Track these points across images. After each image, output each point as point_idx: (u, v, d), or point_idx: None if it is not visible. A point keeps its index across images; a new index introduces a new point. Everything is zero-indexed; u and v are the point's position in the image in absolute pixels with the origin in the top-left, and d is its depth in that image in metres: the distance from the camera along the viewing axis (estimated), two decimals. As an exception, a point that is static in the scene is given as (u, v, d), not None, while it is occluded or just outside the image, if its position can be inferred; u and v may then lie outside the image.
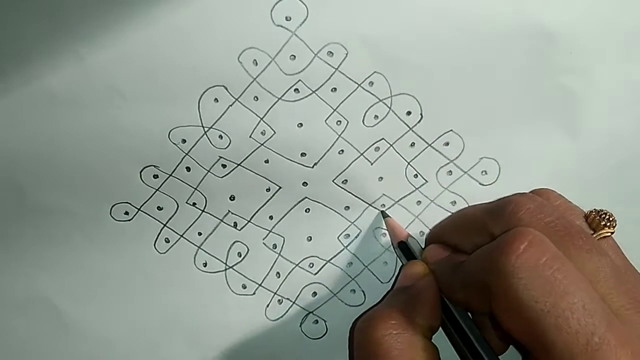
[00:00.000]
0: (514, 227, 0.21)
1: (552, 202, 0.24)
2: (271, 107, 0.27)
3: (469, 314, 0.24)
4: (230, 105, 0.27)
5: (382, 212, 0.30)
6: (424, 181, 0.30)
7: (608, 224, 0.23)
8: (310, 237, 0.30)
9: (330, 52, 0.27)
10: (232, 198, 0.29)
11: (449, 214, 0.30)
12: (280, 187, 0.29)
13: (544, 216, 0.21)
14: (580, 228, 0.21)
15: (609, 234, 0.23)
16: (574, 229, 0.21)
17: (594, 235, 0.22)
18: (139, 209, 0.29)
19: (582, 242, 0.20)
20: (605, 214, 0.23)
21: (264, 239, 0.30)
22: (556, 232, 0.21)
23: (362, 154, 0.29)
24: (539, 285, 0.18)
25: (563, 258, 0.19)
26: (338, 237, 0.30)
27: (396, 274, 0.30)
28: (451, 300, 0.24)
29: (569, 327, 0.18)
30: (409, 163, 0.29)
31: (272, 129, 0.28)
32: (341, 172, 0.29)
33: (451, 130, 0.29)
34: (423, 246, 0.29)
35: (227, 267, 0.30)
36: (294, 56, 0.27)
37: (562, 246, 0.20)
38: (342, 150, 0.29)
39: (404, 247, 0.28)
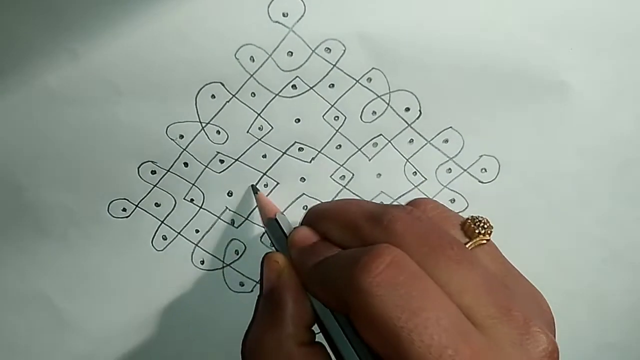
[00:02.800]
0: (384, 240, 0.21)
1: (429, 213, 0.24)
2: (268, 103, 0.27)
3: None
4: (228, 102, 0.27)
5: (252, 186, 0.29)
6: (423, 179, 0.30)
7: (483, 231, 0.23)
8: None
9: (328, 48, 0.27)
10: (229, 194, 0.29)
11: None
12: (278, 183, 0.29)
13: (417, 229, 0.21)
14: (453, 239, 0.21)
15: (485, 241, 0.22)
16: (445, 240, 0.21)
17: (470, 244, 0.22)
18: (136, 206, 0.29)
19: (452, 252, 0.20)
20: (481, 220, 0.23)
21: (261, 237, 0.30)
22: (428, 244, 0.20)
23: (359, 149, 0.29)
24: (394, 303, 0.18)
25: (422, 276, 0.19)
26: (336, 235, 0.30)
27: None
28: (312, 295, 0.23)
29: (422, 341, 0.18)
30: (407, 160, 0.29)
31: (270, 125, 0.28)
32: (339, 168, 0.29)
33: (450, 127, 0.29)
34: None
35: (224, 264, 0.30)
36: (291, 52, 0.27)
37: (432, 258, 0.20)
38: (340, 146, 0.28)
39: (273, 226, 0.27)
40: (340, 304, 0.21)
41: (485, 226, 0.23)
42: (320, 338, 0.24)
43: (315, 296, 0.23)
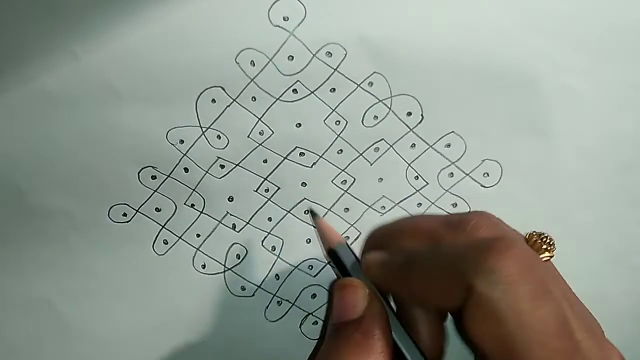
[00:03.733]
0: (495, 238, 0.20)
1: (502, 224, 0.23)
2: (269, 107, 0.27)
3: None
4: (228, 106, 0.27)
5: (311, 210, 0.27)
6: (425, 183, 0.29)
7: (548, 247, 0.22)
8: (310, 239, 0.30)
9: (329, 52, 0.27)
10: (230, 199, 0.29)
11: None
12: (279, 188, 0.29)
13: (512, 235, 0.21)
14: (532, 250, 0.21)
15: (548, 257, 0.22)
16: (530, 252, 0.21)
17: None
18: (137, 211, 0.28)
19: (543, 261, 0.21)
20: (546, 237, 0.22)
21: (262, 241, 0.30)
22: (528, 251, 0.20)
23: (361, 154, 0.28)
24: (524, 297, 0.18)
25: (542, 272, 0.19)
26: (338, 239, 0.30)
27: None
28: (402, 294, 0.22)
29: (549, 343, 0.18)
30: (409, 164, 0.29)
31: (271, 129, 0.28)
32: (340, 172, 0.29)
33: (452, 131, 0.29)
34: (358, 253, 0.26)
35: (225, 269, 0.30)
36: (292, 57, 0.26)
37: (536, 266, 0.20)
38: (341, 150, 0.28)
39: (334, 256, 0.25)
40: (452, 293, 0.19)
41: (551, 242, 0.22)
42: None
43: (411, 293, 0.21)
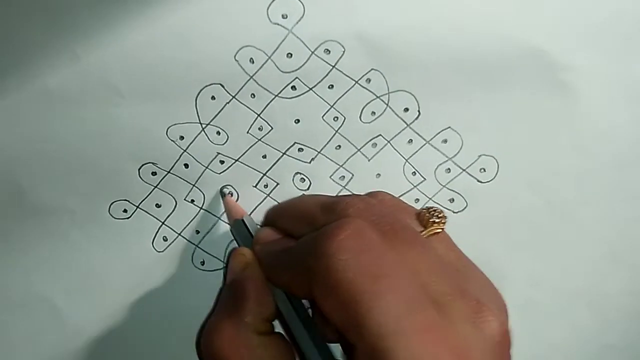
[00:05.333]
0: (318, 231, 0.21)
1: (385, 204, 0.24)
2: (268, 104, 0.28)
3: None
4: (228, 103, 0.27)
5: (220, 190, 0.29)
6: (422, 179, 0.30)
7: (437, 220, 0.23)
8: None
9: (327, 49, 0.27)
10: (229, 194, 0.29)
11: (448, 211, 0.30)
12: (277, 184, 0.29)
13: (370, 215, 0.22)
14: (406, 224, 0.22)
15: (440, 229, 0.23)
16: (398, 224, 0.21)
17: (424, 232, 0.23)
18: (137, 207, 0.29)
19: (404, 235, 0.21)
20: (435, 210, 0.23)
21: (262, 237, 0.30)
22: (381, 228, 0.21)
23: (359, 150, 0.29)
24: (357, 267, 0.19)
25: (384, 247, 0.20)
26: (336, 235, 0.30)
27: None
28: (275, 283, 0.24)
29: (380, 307, 0.18)
30: (406, 160, 0.29)
31: (270, 125, 0.28)
32: (338, 168, 0.29)
33: (449, 127, 0.29)
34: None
35: (225, 265, 0.30)
36: (291, 54, 0.27)
37: (386, 241, 0.20)
38: (340, 146, 0.29)
39: (239, 227, 0.27)
40: (304, 283, 0.21)
41: (440, 216, 0.23)
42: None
43: (278, 283, 0.23)
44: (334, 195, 0.29)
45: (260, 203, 0.29)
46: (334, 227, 0.20)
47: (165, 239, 0.29)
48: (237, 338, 0.23)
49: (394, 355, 0.17)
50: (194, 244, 0.30)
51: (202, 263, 0.30)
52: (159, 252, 0.29)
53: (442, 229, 0.23)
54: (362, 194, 0.25)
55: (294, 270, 0.22)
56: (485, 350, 0.19)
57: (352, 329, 0.18)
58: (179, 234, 0.29)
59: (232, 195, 0.29)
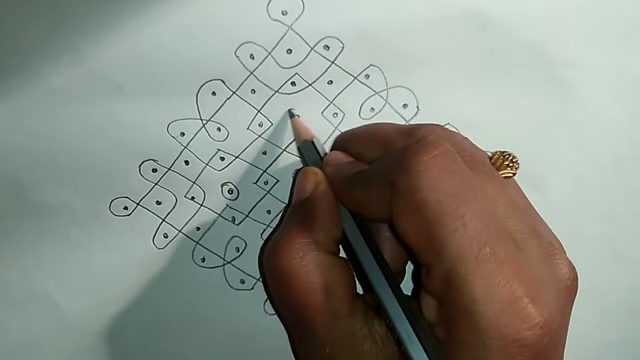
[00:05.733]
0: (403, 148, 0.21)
1: (462, 136, 0.24)
2: (268, 99, 0.28)
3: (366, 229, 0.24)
4: (228, 99, 0.28)
5: (290, 111, 0.28)
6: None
7: (511, 164, 0.23)
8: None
9: (327, 45, 0.27)
10: (230, 191, 0.29)
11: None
12: (278, 180, 0.29)
13: (452, 143, 0.21)
14: (486, 158, 0.22)
15: (511, 174, 0.23)
16: (479, 157, 0.22)
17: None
18: (137, 204, 0.29)
19: (485, 168, 0.21)
20: (509, 154, 0.23)
21: (262, 234, 0.30)
22: (463, 157, 0.21)
23: (358, 146, 0.29)
24: (445, 188, 0.19)
25: (470, 173, 0.20)
26: (336, 232, 0.30)
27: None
28: (347, 203, 0.23)
29: (465, 232, 0.18)
30: (406, 156, 0.30)
31: (270, 121, 0.28)
32: (338, 164, 0.29)
33: (448, 123, 0.29)
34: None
35: (225, 262, 0.30)
36: (291, 50, 0.27)
37: (468, 167, 0.20)
38: (339, 142, 0.29)
39: (309, 148, 0.27)
40: (381, 202, 0.20)
41: (513, 160, 0.23)
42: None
43: (351, 203, 0.23)
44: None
45: (261, 200, 0.29)
46: (423, 145, 0.20)
47: (165, 236, 0.29)
48: (306, 254, 0.22)
49: (471, 279, 0.17)
50: (194, 241, 0.30)
51: (203, 260, 0.30)
52: (160, 249, 0.29)
53: (515, 173, 0.23)
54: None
55: (371, 189, 0.21)
56: (557, 291, 0.19)
57: (431, 249, 0.18)
58: (180, 231, 0.29)
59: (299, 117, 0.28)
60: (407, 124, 0.29)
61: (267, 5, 0.26)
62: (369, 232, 0.24)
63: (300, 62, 0.27)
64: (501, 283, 0.17)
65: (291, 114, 0.28)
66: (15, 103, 0.27)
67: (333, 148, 0.27)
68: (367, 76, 0.28)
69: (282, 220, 0.27)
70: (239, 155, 0.28)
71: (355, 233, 0.23)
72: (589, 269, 0.32)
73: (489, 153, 0.24)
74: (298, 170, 0.26)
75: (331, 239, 0.23)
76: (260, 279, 0.30)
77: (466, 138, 0.24)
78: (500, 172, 0.23)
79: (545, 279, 0.19)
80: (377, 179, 0.21)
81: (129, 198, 0.29)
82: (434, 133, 0.22)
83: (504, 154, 0.23)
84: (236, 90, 0.27)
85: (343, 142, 0.27)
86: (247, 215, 0.29)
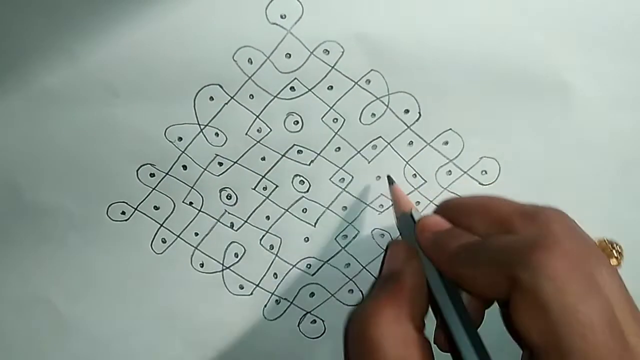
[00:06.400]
0: (544, 235, 0.21)
1: (578, 226, 0.23)
2: (267, 105, 0.27)
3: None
4: (226, 104, 0.27)
5: (389, 177, 0.28)
6: (423, 181, 0.29)
7: (617, 255, 0.23)
8: (308, 238, 0.30)
9: (326, 50, 0.27)
10: (228, 197, 0.29)
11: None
12: (277, 186, 0.29)
13: (573, 234, 0.21)
14: (600, 252, 0.21)
15: (617, 265, 0.22)
16: (596, 250, 0.21)
17: None
18: (135, 209, 0.28)
19: (602, 264, 0.20)
20: (617, 244, 0.23)
21: (260, 240, 0.30)
22: (587, 249, 0.21)
23: (359, 152, 0.28)
24: (572, 292, 0.18)
25: (592, 273, 0.19)
26: (335, 238, 0.30)
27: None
28: (451, 276, 0.23)
29: (594, 337, 0.18)
30: (407, 162, 0.29)
31: (268, 127, 0.28)
32: (338, 170, 0.29)
33: (450, 129, 0.29)
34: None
35: (224, 267, 0.30)
36: (290, 54, 0.27)
37: (591, 263, 0.20)
38: (339, 148, 0.28)
39: (406, 221, 0.26)
40: (497, 285, 0.20)
41: (620, 250, 0.23)
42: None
43: (458, 277, 0.22)
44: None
45: (259, 206, 0.29)
46: (551, 243, 0.20)
47: (164, 241, 0.29)
48: (396, 327, 0.22)
49: None
50: (193, 246, 0.29)
51: (201, 265, 0.30)
52: (158, 254, 0.29)
53: (620, 265, 0.23)
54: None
55: (485, 270, 0.21)
56: None
57: (556, 352, 0.18)
58: (178, 236, 0.29)
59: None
60: (409, 129, 0.28)
61: (266, 8, 0.26)
62: (461, 300, 0.23)
63: (299, 67, 0.27)
64: None
65: (390, 181, 0.28)
66: (10, 106, 0.27)
67: (436, 212, 0.26)
68: (368, 81, 0.27)
69: (370, 291, 0.27)
70: (238, 160, 0.28)
71: (448, 305, 0.23)
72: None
73: (595, 240, 0.23)
74: (391, 242, 0.27)
75: (420, 314, 0.23)
76: (261, 286, 0.30)
77: (576, 223, 0.23)
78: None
79: None
80: (493, 264, 0.21)
81: (126, 203, 0.28)
82: (556, 222, 0.21)
83: (612, 244, 0.23)
84: (234, 95, 0.27)
85: (449, 209, 0.26)
86: (245, 221, 0.29)
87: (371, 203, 0.29)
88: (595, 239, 0.23)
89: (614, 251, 0.22)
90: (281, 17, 0.26)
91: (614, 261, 0.22)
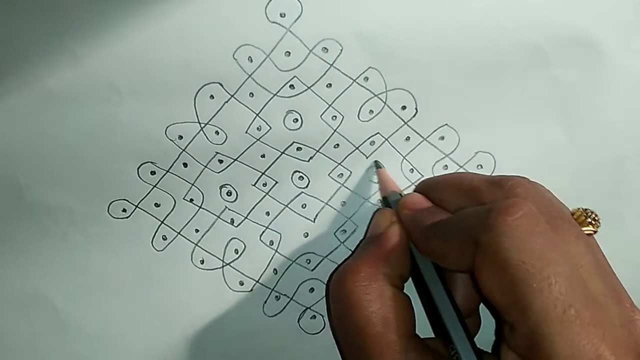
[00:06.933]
0: (508, 198, 0.21)
1: (546, 191, 0.24)
2: (267, 103, 0.28)
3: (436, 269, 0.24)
4: (226, 102, 0.27)
5: (376, 162, 0.29)
6: (420, 175, 0.30)
7: (593, 222, 0.23)
8: (307, 234, 0.30)
9: (325, 48, 0.27)
10: (229, 194, 0.29)
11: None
12: (276, 182, 0.29)
13: (538, 197, 0.22)
14: (570, 215, 0.22)
15: (592, 232, 0.23)
16: (565, 214, 0.22)
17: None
18: (136, 206, 0.29)
19: (570, 226, 0.21)
20: (592, 212, 0.23)
21: (260, 236, 0.30)
22: (549, 213, 0.21)
23: (357, 148, 0.29)
24: (529, 249, 0.19)
25: (554, 234, 0.20)
26: (334, 233, 0.30)
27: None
28: (424, 250, 0.24)
29: (550, 292, 0.18)
30: (404, 157, 0.30)
31: (268, 125, 0.28)
32: (337, 166, 0.29)
33: (446, 124, 0.29)
34: None
35: (224, 264, 0.30)
36: (289, 52, 0.27)
37: (553, 227, 0.20)
38: (338, 145, 0.29)
39: (394, 200, 0.28)
40: (462, 254, 0.21)
41: (596, 218, 0.23)
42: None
43: (429, 251, 0.23)
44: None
45: (259, 202, 0.29)
46: (509, 204, 0.20)
47: (164, 238, 0.29)
48: (370, 283, 0.23)
49: (557, 341, 0.18)
50: (193, 243, 0.30)
51: (202, 262, 0.30)
52: (159, 250, 0.30)
53: (596, 231, 0.23)
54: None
55: (452, 241, 0.22)
56: (638, 355, 0.19)
57: (516, 309, 0.19)
58: (179, 233, 0.29)
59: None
60: (406, 125, 0.29)
61: (266, 7, 0.26)
62: (443, 274, 0.24)
63: (298, 65, 0.27)
64: (586, 346, 0.18)
65: (377, 165, 0.29)
66: (12, 105, 0.27)
67: (415, 191, 0.27)
68: (366, 78, 0.28)
69: (353, 252, 0.28)
70: (238, 158, 0.28)
71: (431, 273, 0.24)
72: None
73: (570, 209, 0.24)
74: (376, 211, 0.28)
75: (397, 274, 0.24)
76: (261, 282, 0.30)
77: (549, 192, 0.24)
78: (583, 228, 0.23)
79: (629, 343, 0.19)
80: (459, 234, 0.21)
81: (127, 200, 0.29)
82: (521, 186, 0.22)
83: (586, 211, 0.23)
84: (234, 94, 0.27)
85: (426, 187, 0.27)
86: (245, 217, 0.30)
87: (369, 198, 0.30)
88: (572, 208, 0.23)
89: (588, 219, 0.23)
90: (281, 15, 0.26)
91: (589, 228, 0.23)
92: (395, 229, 0.25)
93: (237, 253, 0.30)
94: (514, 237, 0.19)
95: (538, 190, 0.23)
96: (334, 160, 0.29)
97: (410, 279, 0.25)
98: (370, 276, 0.23)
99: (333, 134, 0.29)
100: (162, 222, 0.29)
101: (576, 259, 0.20)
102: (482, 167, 0.30)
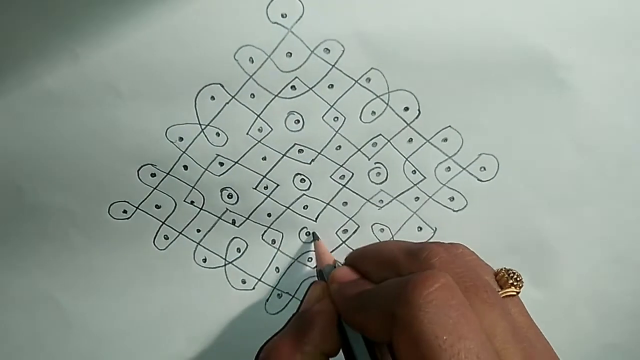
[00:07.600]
0: (423, 271, 0.21)
1: (465, 257, 0.24)
2: (268, 104, 0.27)
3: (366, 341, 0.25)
4: (227, 103, 0.27)
5: (314, 233, 0.30)
6: (422, 177, 0.30)
7: (515, 283, 0.23)
8: (309, 232, 0.30)
9: (327, 48, 0.27)
10: (229, 196, 0.29)
11: (448, 210, 0.30)
12: (278, 185, 0.29)
13: (454, 266, 0.22)
14: (487, 282, 0.22)
15: (515, 293, 0.23)
16: (480, 282, 0.22)
17: (501, 293, 0.23)
18: (137, 208, 0.29)
19: (486, 295, 0.21)
20: (514, 273, 0.23)
21: (262, 235, 0.30)
22: (463, 283, 0.21)
23: (359, 150, 0.29)
24: (442, 323, 0.19)
25: (468, 306, 0.20)
26: (336, 233, 0.30)
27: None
28: (349, 322, 0.24)
29: None
30: (407, 159, 0.29)
31: (269, 126, 0.28)
32: (338, 168, 0.29)
33: (449, 126, 0.29)
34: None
35: (226, 262, 0.30)
36: (290, 53, 0.27)
37: (467, 297, 0.20)
38: (340, 146, 0.29)
39: (321, 274, 0.28)
40: (381, 326, 0.21)
41: (518, 279, 0.23)
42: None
43: (353, 323, 0.24)
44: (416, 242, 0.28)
45: (260, 204, 0.29)
46: (424, 277, 0.20)
47: (166, 238, 0.29)
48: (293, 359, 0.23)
49: None
50: (195, 242, 0.30)
51: (204, 260, 0.30)
52: (161, 250, 0.30)
53: (518, 292, 0.23)
54: (443, 242, 0.25)
55: (372, 313, 0.22)
56: None
57: None
58: (180, 233, 0.29)
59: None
60: (409, 127, 0.29)
61: (267, 7, 0.26)
62: (375, 346, 0.24)
63: (300, 66, 0.27)
64: None
65: (315, 237, 0.30)
66: (13, 106, 0.27)
67: (345, 263, 0.27)
68: (369, 79, 0.28)
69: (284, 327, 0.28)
70: (239, 160, 0.28)
71: (360, 346, 0.24)
72: (592, 272, 0.33)
73: (494, 269, 0.24)
74: (311, 284, 0.28)
75: (319, 353, 0.24)
76: (263, 280, 0.30)
77: (472, 255, 0.24)
78: (504, 290, 0.23)
79: None
80: (378, 306, 0.21)
81: (128, 202, 0.29)
82: (436, 256, 0.22)
83: (509, 272, 0.23)
84: (235, 95, 0.27)
85: (353, 260, 0.27)
86: (247, 218, 0.29)
87: (371, 199, 0.30)
88: (496, 268, 0.24)
89: (510, 280, 0.23)
90: (282, 16, 0.26)
91: (511, 290, 0.23)
92: (323, 304, 0.25)
93: (239, 252, 0.30)
94: (428, 310, 0.19)
95: (455, 258, 0.23)
96: (335, 162, 0.29)
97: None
98: (291, 355, 0.23)
99: (335, 135, 0.28)
100: (164, 222, 0.29)
101: (490, 329, 0.20)
102: (485, 169, 0.30)
